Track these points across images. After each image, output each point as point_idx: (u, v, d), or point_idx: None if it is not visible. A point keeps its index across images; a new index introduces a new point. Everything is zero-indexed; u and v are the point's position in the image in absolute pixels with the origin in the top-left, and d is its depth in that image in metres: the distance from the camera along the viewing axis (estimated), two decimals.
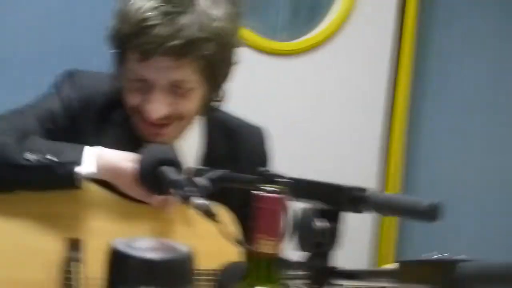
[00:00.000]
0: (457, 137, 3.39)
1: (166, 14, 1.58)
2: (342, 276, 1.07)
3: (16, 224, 1.62)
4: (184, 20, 1.59)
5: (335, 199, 1.10)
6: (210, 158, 1.80)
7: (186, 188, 1.35)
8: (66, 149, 1.60)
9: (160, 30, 1.57)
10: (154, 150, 1.51)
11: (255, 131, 1.91)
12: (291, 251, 1.12)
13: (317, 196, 1.13)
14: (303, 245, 1.08)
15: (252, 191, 0.99)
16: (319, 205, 1.11)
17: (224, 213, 1.59)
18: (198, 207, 1.30)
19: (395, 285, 0.96)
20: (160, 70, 1.62)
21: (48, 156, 1.57)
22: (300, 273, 1.67)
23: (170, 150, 1.52)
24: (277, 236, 0.97)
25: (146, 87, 1.64)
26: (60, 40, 2.81)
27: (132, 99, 1.66)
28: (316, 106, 3.26)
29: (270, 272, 0.98)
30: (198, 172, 1.38)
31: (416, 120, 3.41)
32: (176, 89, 1.64)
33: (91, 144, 1.66)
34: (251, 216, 0.99)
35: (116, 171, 1.58)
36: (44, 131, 1.71)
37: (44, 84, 1.85)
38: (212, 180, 1.36)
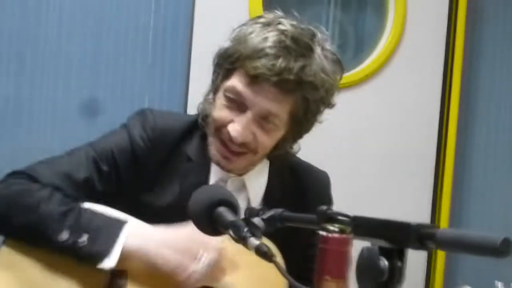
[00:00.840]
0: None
1: (288, 50, 1.68)
2: None
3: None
4: (303, 61, 1.69)
5: (401, 237, 1.07)
6: (274, 199, 1.85)
7: (244, 230, 1.32)
8: (102, 232, 1.64)
9: (279, 62, 1.66)
10: (210, 190, 1.49)
11: (320, 175, 1.98)
12: None
13: (382, 234, 1.09)
14: (366, 284, 1.05)
15: (317, 232, 0.97)
16: (383, 243, 1.08)
17: (276, 252, 1.61)
18: (257, 249, 1.28)
19: None
20: (262, 98, 1.69)
21: (82, 240, 1.62)
22: None
23: (226, 190, 1.50)
24: (343, 277, 0.94)
25: (239, 109, 1.72)
26: (110, 81, 2.84)
27: (222, 114, 1.73)
28: (367, 137, 3.23)
29: None
30: (255, 213, 1.35)
31: (468, 150, 3.36)
32: (263, 122, 1.72)
33: (150, 184, 1.75)
34: (315, 257, 0.96)
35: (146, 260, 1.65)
36: (98, 172, 1.75)
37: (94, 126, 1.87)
38: (270, 220, 1.33)
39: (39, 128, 2.74)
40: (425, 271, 3.28)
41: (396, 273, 1.06)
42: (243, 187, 1.88)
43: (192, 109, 2.64)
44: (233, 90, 1.72)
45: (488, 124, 3.36)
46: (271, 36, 1.69)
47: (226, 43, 1.78)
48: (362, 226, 1.13)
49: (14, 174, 1.74)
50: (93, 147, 1.79)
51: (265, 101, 1.70)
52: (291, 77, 1.67)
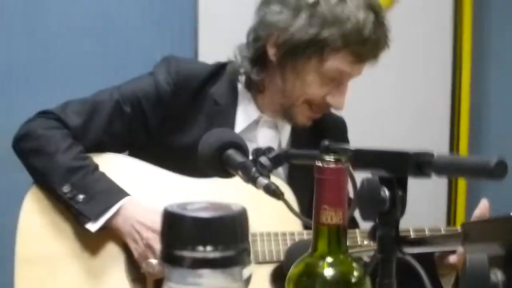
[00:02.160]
0: None
1: (379, 25, 1.82)
2: (409, 243, 1.06)
3: None
4: (384, 31, 1.84)
5: (400, 166, 1.09)
6: (300, 140, 1.97)
7: (253, 169, 1.36)
8: (99, 197, 1.74)
9: (381, 44, 1.83)
10: (218, 133, 1.53)
11: (338, 119, 2.10)
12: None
13: (382, 164, 1.11)
14: (369, 215, 1.07)
15: (315, 163, 0.99)
16: (384, 173, 1.10)
17: (287, 190, 1.67)
18: (265, 187, 1.32)
19: (460, 246, 0.94)
20: (359, 68, 1.86)
21: (79, 198, 1.73)
22: (367, 242, 1.67)
23: (234, 133, 1.54)
24: (341, 206, 0.96)
25: (337, 82, 1.85)
26: (121, 40, 2.86)
27: (321, 90, 1.84)
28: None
29: (336, 243, 0.97)
30: (262, 152, 1.38)
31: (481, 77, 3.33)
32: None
33: (178, 127, 1.85)
34: (314, 187, 0.99)
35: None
36: (120, 113, 1.85)
37: (108, 83, 1.91)
38: (276, 158, 1.36)
39: (55, 92, 2.72)
40: (446, 203, 3.29)
41: (397, 202, 1.07)
42: (274, 127, 1.94)
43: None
44: (338, 72, 1.83)
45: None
46: (366, 15, 1.79)
47: (311, 29, 1.81)
48: (363, 158, 1.15)
49: (45, 113, 1.84)
50: (118, 90, 1.89)
51: (360, 69, 1.87)
52: (384, 48, 1.85)
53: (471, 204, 3.15)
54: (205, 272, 0.50)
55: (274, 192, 1.30)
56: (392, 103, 3.23)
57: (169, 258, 0.51)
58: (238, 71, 1.93)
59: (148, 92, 1.87)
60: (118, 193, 1.76)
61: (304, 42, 1.82)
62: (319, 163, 0.97)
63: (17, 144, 1.84)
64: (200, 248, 0.50)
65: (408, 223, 2.53)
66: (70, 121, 1.83)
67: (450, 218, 3.26)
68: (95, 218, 1.73)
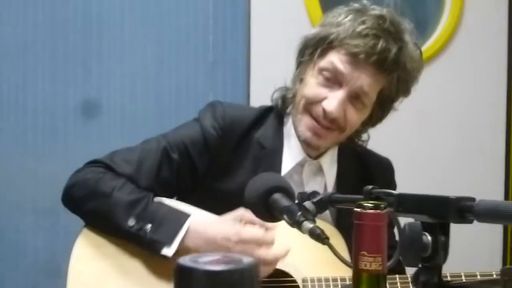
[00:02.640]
0: None
1: (388, 32, 1.77)
2: None
3: None
4: (400, 43, 1.78)
5: (441, 211, 1.09)
6: (346, 184, 1.94)
7: (298, 214, 1.37)
8: (166, 223, 1.73)
9: (380, 42, 1.75)
10: (265, 177, 1.54)
11: (384, 161, 2.06)
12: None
13: (423, 209, 1.11)
14: (411, 260, 1.07)
15: (354, 208, 1.00)
16: (426, 218, 1.10)
17: (335, 234, 1.73)
18: (310, 232, 1.32)
19: None
20: (360, 74, 1.78)
21: (147, 228, 1.72)
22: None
23: (280, 177, 1.55)
24: (380, 252, 0.96)
25: (334, 85, 1.80)
26: (174, 83, 2.91)
27: (316, 91, 1.81)
28: (431, 119, 3.21)
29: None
30: (306, 197, 1.39)
31: None
32: (354, 100, 1.81)
33: (224, 170, 1.85)
34: (353, 233, 0.99)
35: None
36: (168, 160, 1.85)
37: (161, 125, 1.95)
38: (320, 203, 1.37)
39: (109, 133, 2.84)
40: (501, 250, 3.24)
41: (439, 248, 1.07)
42: (319, 171, 1.94)
43: (254, 103, 2.70)
44: (331, 67, 1.79)
45: None
46: (369, 20, 1.78)
47: (313, 29, 1.88)
48: (405, 203, 1.15)
49: (93, 162, 1.86)
50: (165, 137, 1.89)
51: (362, 78, 1.78)
52: (390, 56, 1.76)
53: None
54: None
55: (318, 236, 1.30)
56: (444, 144, 3.22)
57: None
58: (282, 113, 1.94)
59: (194, 138, 1.88)
60: (183, 215, 1.76)
61: (310, 44, 1.86)
62: (357, 209, 0.97)
63: (68, 194, 1.85)
64: None
65: (462, 266, 2.51)
66: (119, 169, 1.84)
67: (506, 262, 3.20)
68: (170, 241, 1.72)
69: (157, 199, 1.81)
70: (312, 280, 1.81)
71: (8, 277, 2.83)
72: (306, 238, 1.33)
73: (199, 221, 1.75)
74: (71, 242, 1.81)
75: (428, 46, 3.20)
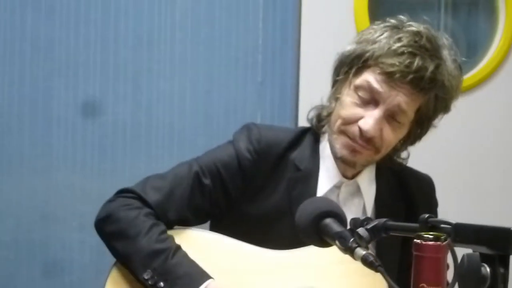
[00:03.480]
0: None
1: (424, 49, 1.74)
2: None
3: None
4: (437, 61, 1.75)
5: (501, 243, 1.06)
6: (385, 204, 1.91)
7: (350, 240, 1.35)
8: (181, 283, 1.68)
9: (416, 60, 1.72)
10: (316, 202, 1.53)
11: (425, 179, 2.01)
12: None
13: (482, 240, 1.09)
14: None
15: (414, 239, 0.98)
16: (485, 249, 1.08)
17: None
18: (363, 259, 1.30)
19: None
20: (397, 93, 1.75)
21: (161, 285, 1.68)
22: None
23: (332, 202, 1.53)
24: (440, 285, 0.94)
25: (370, 105, 1.77)
26: (222, 102, 2.92)
27: (352, 111, 1.78)
28: (482, 142, 3.17)
29: None
30: (360, 223, 1.37)
31: None
32: (391, 119, 1.78)
33: (259, 195, 1.82)
34: (412, 264, 0.98)
35: None
36: (199, 186, 1.82)
37: (210, 146, 1.95)
38: (374, 230, 1.35)
39: (157, 152, 2.85)
40: None
41: (499, 280, 1.05)
42: (357, 191, 1.91)
43: (303, 123, 2.68)
44: (367, 86, 1.77)
45: None
46: (405, 37, 1.76)
47: (349, 46, 1.85)
48: (463, 233, 1.13)
49: (124, 192, 1.84)
50: (198, 161, 1.86)
51: (398, 97, 1.75)
52: (427, 75, 1.73)
53: None
54: None
55: (372, 263, 1.28)
56: (491, 165, 3.17)
57: None
58: (318, 132, 1.91)
59: (228, 161, 1.85)
60: (200, 278, 1.70)
61: (345, 62, 1.84)
62: (417, 240, 0.96)
63: (99, 226, 1.82)
64: None
65: None
66: (151, 199, 1.81)
67: None
68: None
69: (182, 252, 1.76)
70: None
71: None
72: (343, 265, 1.31)
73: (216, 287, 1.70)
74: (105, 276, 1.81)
75: (478, 70, 3.17)
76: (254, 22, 2.94)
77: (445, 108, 1.86)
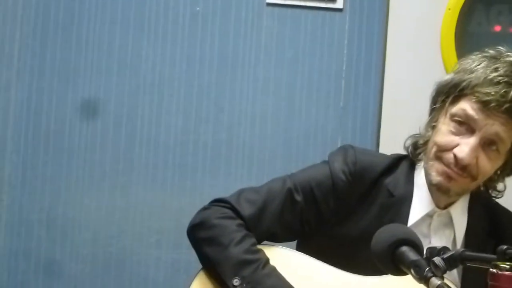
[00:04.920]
0: None
1: None
2: None
3: None
4: None
5: None
6: (476, 237, 1.88)
7: (426, 269, 1.32)
8: None
9: (507, 93, 1.72)
10: (393, 229, 1.50)
11: None
12: None
13: None
14: None
15: (490, 269, 0.95)
16: None
17: None
18: None
19: None
20: (493, 121, 1.75)
21: None
22: None
23: (409, 229, 1.51)
24: None
25: (466, 133, 1.77)
26: (303, 126, 2.92)
27: (448, 139, 1.78)
28: None
29: None
30: (436, 252, 1.35)
31: None
32: (487, 147, 1.78)
33: (347, 219, 1.82)
34: None
35: None
36: (291, 202, 1.84)
37: (289, 169, 1.94)
38: (451, 259, 1.32)
39: (236, 173, 2.86)
40: None
41: None
42: (449, 222, 1.89)
43: (384, 150, 2.66)
44: (463, 114, 1.77)
45: None
46: (502, 67, 1.76)
47: (447, 76, 1.86)
48: None
49: (219, 201, 1.86)
50: (292, 178, 1.88)
51: (494, 126, 1.75)
52: None
53: None
54: None
55: None
56: None
57: None
58: (414, 160, 1.91)
59: (322, 181, 1.86)
60: None
61: (442, 91, 1.84)
62: (494, 270, 0.93)
63: (192, 232, 1.86)
64: None
65: None
66: (244, 211, 1.84)
67: None
68: None
69: (271, 266, 1.78)
70: None
71: None
72: None
73: None
74: (191, 279, 1.82)
75: None
76: (339, 47, 2.93)
77: None
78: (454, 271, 1.88)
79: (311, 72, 2.93)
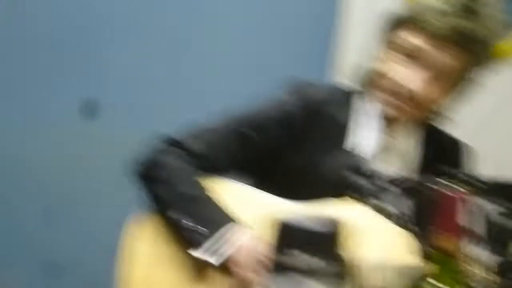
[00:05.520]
0: None
1: (468, 10, 1.74)
2: None
3: None
4: (480, 21, 1.75)
5: None
6: (425, 164, 1.86)
7: (370, 193, 1.39)
8: (219, 228, 1.68)
9: (460, 21, 1.73)
10: (341, 158, 1.52)
11: (467, 148, 1.97)
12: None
13: (509, 194, 1.06)
14: (496, 248, 1.02)
15: (432, 188, 0.96)
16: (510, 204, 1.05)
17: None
18: (379, 210, 1.34)
19: None
20: (440, 52, 1.75)
21: (202, 230, 1.67)
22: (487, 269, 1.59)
23: (355, 157, 1.53)
24: (455, 233, 0.92)
25: (413, 63, 1.77)
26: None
27: (396, 69, 1.79)
28: None
29: (451, 268, 0.93)
30: (380, 176, 1.37)
31: None
32: (433, 76, 1.78)
33: (302, 154, 1.80)
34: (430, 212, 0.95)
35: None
36: (243, 138, 1.83)
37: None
38: (404, 186, 1.34)
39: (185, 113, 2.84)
40: None
41: None
42: (398, 150, 1.92)
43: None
44: (408, 44, 1.78)
45: None
46: None
47: (394, 6, 1.87)
48: (490, 188, 1.11)
49: (168, 139, 1.86)
50: (241, 112, 1.88)
51: (441, 56, 1.76)
52: (469, 33, 1.74)
53: None
54: (310, 283, 0.49)
55: (399, 220, 1.28)
56: None
57: (277, 268, 0.49)
58: (361, 91, 1.93)
59: (270, 113, 1.87)
60: (238, 225, 1.68)
61: (390, 21, 1.83)
62: (435, 188, 0.93)
63: (139, 171, 1.82)
64: (306, 258, 0.48)
65: None
66: (193, 147, 1.82)
67: None
68: (214, 253, 1.72)
69: (221, 202, 1.75)
70: (374, 266, 1.78)
71: None
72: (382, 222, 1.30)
73: (251, 236, 1.66)
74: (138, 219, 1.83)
75: None
76: None
77: (490, 66, 1.87)
78: (403, 198, 1.93)
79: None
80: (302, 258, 0.46)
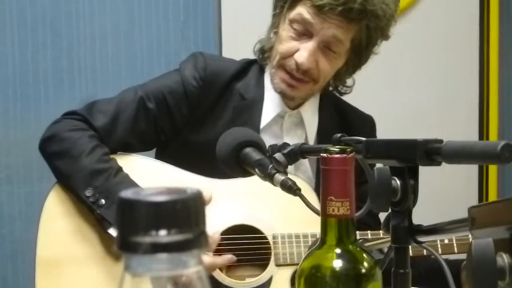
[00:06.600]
0: None
1: None
2: (422, 232, 1.04)
3: None
4: None
5: (409, 155, 1.07)
6: (326, 135, 1.93)
7: (269, 166, 1.35)
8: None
9: None
10: (234, 132, 1.53)
11: (367, 117, 2.07)
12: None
13: (392, 154, 1.09)
14: (381, 205, 1.05)
15: (321, 154, 0.98)
16: (394, 163, 1.09)
17: (308, 190, 1.76)
18: (282, 184, 1.31)
19: (468, 232, 0.91)
20: (328, 25, 1.78)
21: (101, 202, 1.72)
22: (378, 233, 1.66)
23: (251, 132, 1.54)
24: (347, 197, 0.95)
25: (304, 37, 1.81)
26: (145, 42, 2.88)
27: (288, 44, 1.82)
28: (403, 71, 3.20)
29: (345, 234, 0.96)
30: (277, 149, 1.38)
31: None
32: (326, 50, 1.82)
33: (205, 121, 1.85)
34: (320, 179, 0.98)
35: None
36: (144, 110, 1.85)
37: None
38: (291, 154, 1.35)
39: (81, 98, 2.80)
40: (477, 186, 3.26)
41: (409, 191, 1.05)
42: (300, 122, 1.94)
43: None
44: (300, 19, 1.80)
45: None
46: None
47: None
48: (374, 148, 1.14)
49: (71, 114, 1.85)
50: (143, 87, 1.89)
51: (331, 28, 1.78)
52: (356, 6, 1.75)
53: (504, 183, 3.13)
54: (162, 256, 0.50)
55: (290, 187, 1.29)
56: (418, 94, 3.21)
57: (125, 245, 0.50)
58: (263, 65, 1.95)
59: (173, 88, 1.87)
60: None
61: None
62: (323, 154, 0.96)
63: (43, 146, 1.84)
64: (153, 232, 0.50)
65: (442, 205, 2.51)
66: (96, 122, 1.83)
67: (482, 198, 3.22)
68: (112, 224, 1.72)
69: (124, 174, 1.78)
70: (283, 237, 1.82)
71: None
72: (284, 195, 1.31)
73: None
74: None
75: None
76: None
77: (382, 35, 1.88)
78: (309, 169, 1.95)
79: None
80: (151, 234, 0.47)
